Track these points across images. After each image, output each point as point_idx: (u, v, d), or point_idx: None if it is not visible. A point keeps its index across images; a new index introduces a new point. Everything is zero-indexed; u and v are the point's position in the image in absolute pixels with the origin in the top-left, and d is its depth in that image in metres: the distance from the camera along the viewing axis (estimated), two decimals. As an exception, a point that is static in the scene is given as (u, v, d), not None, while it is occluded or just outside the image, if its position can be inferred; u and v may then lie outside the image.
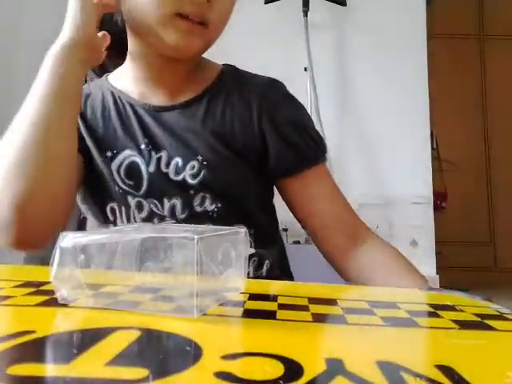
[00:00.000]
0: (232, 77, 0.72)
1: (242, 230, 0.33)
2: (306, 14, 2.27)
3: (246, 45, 2.19)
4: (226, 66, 0.74)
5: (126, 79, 0.69)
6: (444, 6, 3.06)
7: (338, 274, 0.68)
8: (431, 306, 0.35)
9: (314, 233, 0.70)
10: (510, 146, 3.20)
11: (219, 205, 0.63)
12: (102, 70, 0.75)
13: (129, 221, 0.64)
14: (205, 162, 0.63)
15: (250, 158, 0.67)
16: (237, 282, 0.33)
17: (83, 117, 0.67)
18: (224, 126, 0.66)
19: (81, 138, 0.64)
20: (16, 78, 2.28)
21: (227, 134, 0.66)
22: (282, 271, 0.72)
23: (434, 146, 2.71)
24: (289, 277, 0.73)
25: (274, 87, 0.72)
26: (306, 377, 0.19)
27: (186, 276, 0.27)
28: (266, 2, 2.28)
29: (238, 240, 0.33)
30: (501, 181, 3.21)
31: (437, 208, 2.50)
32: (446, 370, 0.21)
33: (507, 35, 3.25)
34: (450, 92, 3.15)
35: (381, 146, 2.39)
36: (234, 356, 0.21)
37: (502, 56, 3.26)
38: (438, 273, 2.36)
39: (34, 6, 2.43)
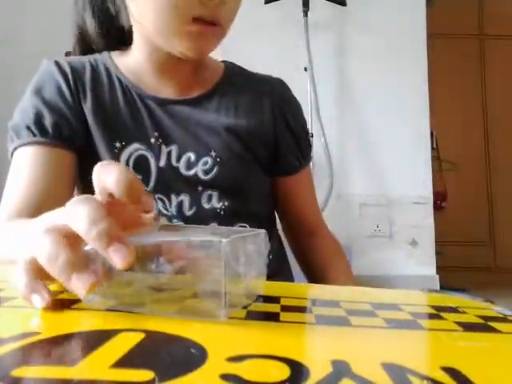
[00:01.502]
0: (237, 73, 0.73)
1: (261, 231, 0.33)
2: (306, 14, 2.27)
3: (246, 45, 2.19)
4: (227, 62, 0.75)
5: (133, 67, 0.67)
6: (444, 5, 3.06)
7: (294, 256, 0.79)
8: (433, 307, 0.35)
9: (285, 221, 0.78)
10: (510, 146, 3.20)
11: (226, 203, 0.63)
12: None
13: None
14: (218, 159, 0.63)
15: (260, 154, 0.68)
16: (258, 285, 0.33)
17: (92, 91, 0.63)
18: (238, 122, 0.66)
19: (78, 132, 0.61)
20: (17, 78, 2.28)
21: (242, 129, 0.66)
22: (281, 261, 0.74)
23: (434, 146, 2.71)
24: (286, 263, 0.76)
25: (282, 86, 0.75)
26: (313, 379, 0.19)
27: (211, 278, 0.27)
28: (266, 2, 2.28)
29: (259, 241, 0.32)
30: (501, 181, 3.21)
31: (437, 208, 2.51)
32: (452, 373, 0.20)
33: (507, 35, 3.25)
34: (450, 92, 3.15)
35: (381, 146, 2.39)
36: (239, 358, 0.21)
37: (502, 56, 3.26)
38: (438, 273, 2.36)
39: (34, 6, 2.43)
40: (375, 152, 2.39)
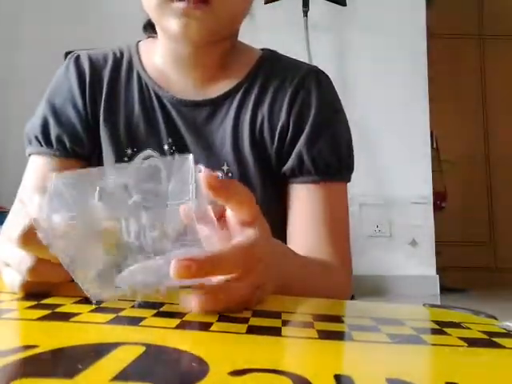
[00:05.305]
0: (271, 64, 0.66)
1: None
2: (306, 14, 2.27)
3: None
4: (265, 51, 0.69)
5: (156, 61, 0.64)
6: (444, 5, 3.05)
7: None
8: (436, 323, 0.34)
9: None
10: (510, 146, 3.20)
11: None
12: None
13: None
14: (230, 174, 0.60)
15: (273, 165, 0.62)
16: None
17: (108, 89, 0.62)
18: (254, 131, 0.61)
19: (84, 141, 0.61)
20: (16, 79, 2.27)
21: (257, 140, 0.61)
22: None
23: (434, 146, 2.70)
24: None
25: (312, 76, 0.64)
26: (316, 395, 0.19)
27: None
28: (265, 2, 2.27)
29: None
30: (500, 181, 3.21)
31: (437, 208, 2.50)
32: (457, 387, 0.20)
33: (507, 35, 3.24)
34: (450, 92, 3.15)
35: (381, 145, 2.39)
36: (241, 372, 0.21)
37: (502, 56, 3.26)
38: (437, 273, 2.36)
39: (34, 7, 2.42)
40: (375, 152, 2.39)
